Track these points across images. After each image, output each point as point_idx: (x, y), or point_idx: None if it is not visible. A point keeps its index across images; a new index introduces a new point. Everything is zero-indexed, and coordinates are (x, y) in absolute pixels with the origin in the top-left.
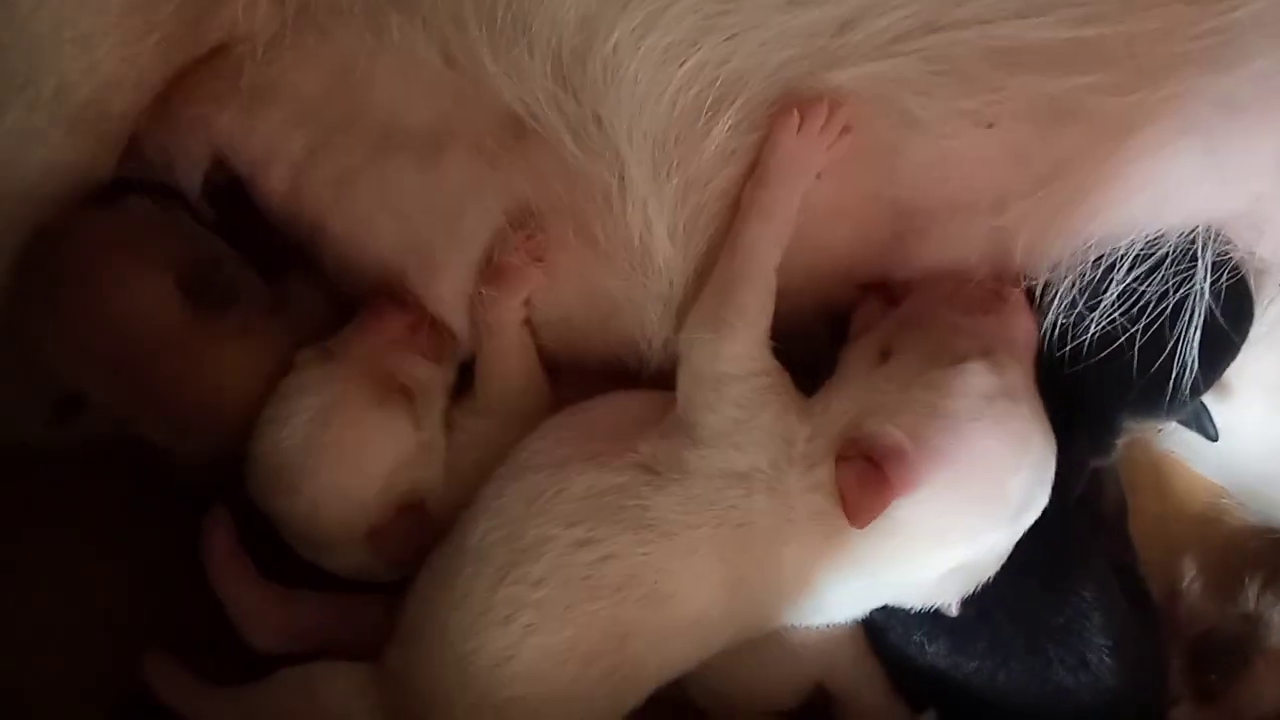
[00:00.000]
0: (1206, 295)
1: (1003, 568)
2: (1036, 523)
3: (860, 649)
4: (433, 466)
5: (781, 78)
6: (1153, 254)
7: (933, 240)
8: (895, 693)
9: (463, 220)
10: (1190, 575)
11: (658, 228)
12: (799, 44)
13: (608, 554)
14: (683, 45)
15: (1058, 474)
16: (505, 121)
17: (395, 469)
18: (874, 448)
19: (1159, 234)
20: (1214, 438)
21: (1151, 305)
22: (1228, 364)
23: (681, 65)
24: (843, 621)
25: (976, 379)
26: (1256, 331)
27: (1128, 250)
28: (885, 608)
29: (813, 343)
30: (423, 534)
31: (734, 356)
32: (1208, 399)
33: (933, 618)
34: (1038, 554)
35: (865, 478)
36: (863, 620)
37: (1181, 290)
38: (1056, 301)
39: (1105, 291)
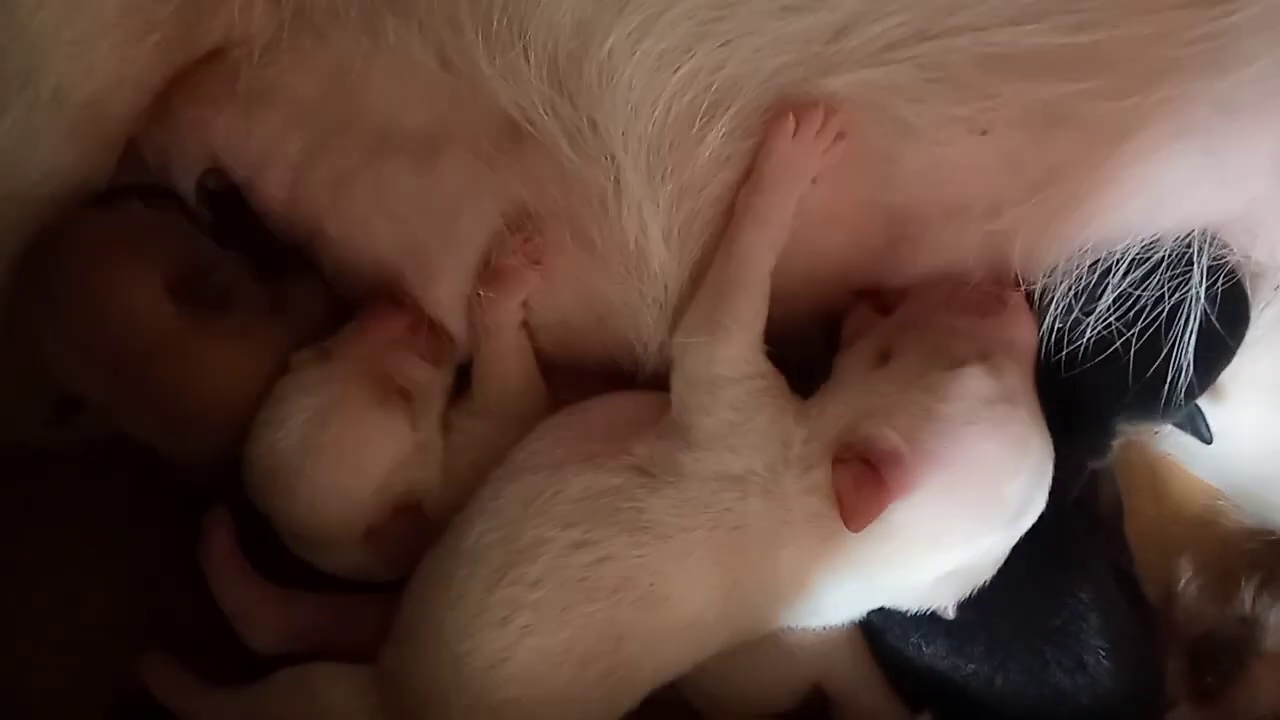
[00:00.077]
0: (1202, 299)
1: (1000, 570)
2: (1033, 525)
3: (857, 650)
4: (429, 467)
5: (776, 84)
6: (1148, 258)
7: (927, 246)
8: (893, 694)
9: (460, 223)
10: (1187, 577)
11: (653, 232)
12: (793, 50)
13: (604, 556)
14: (677, 51)
15: (1054, 476)
16: (501, 125)
17: (392, 470)
18: (870, 450)
19: (1155, 238)
20: (1209, 441)
21: (1147, 309)
22: (1223, 368)
23: (676, 71)
24: (839, 623)
25: (974, 382)
26: (1253, 334)
27: (1123, 254)
28: (883, 609)
29: (808, 347)
30: (419, 534)
31: (728, 359)
32: (1204, 402)
33: (930, 620)
34: (1035, 556)
35: (862, 480)
36: (861, 622)
37: (1177, 294)
38: (1053, 305)
39: (1101, 296)
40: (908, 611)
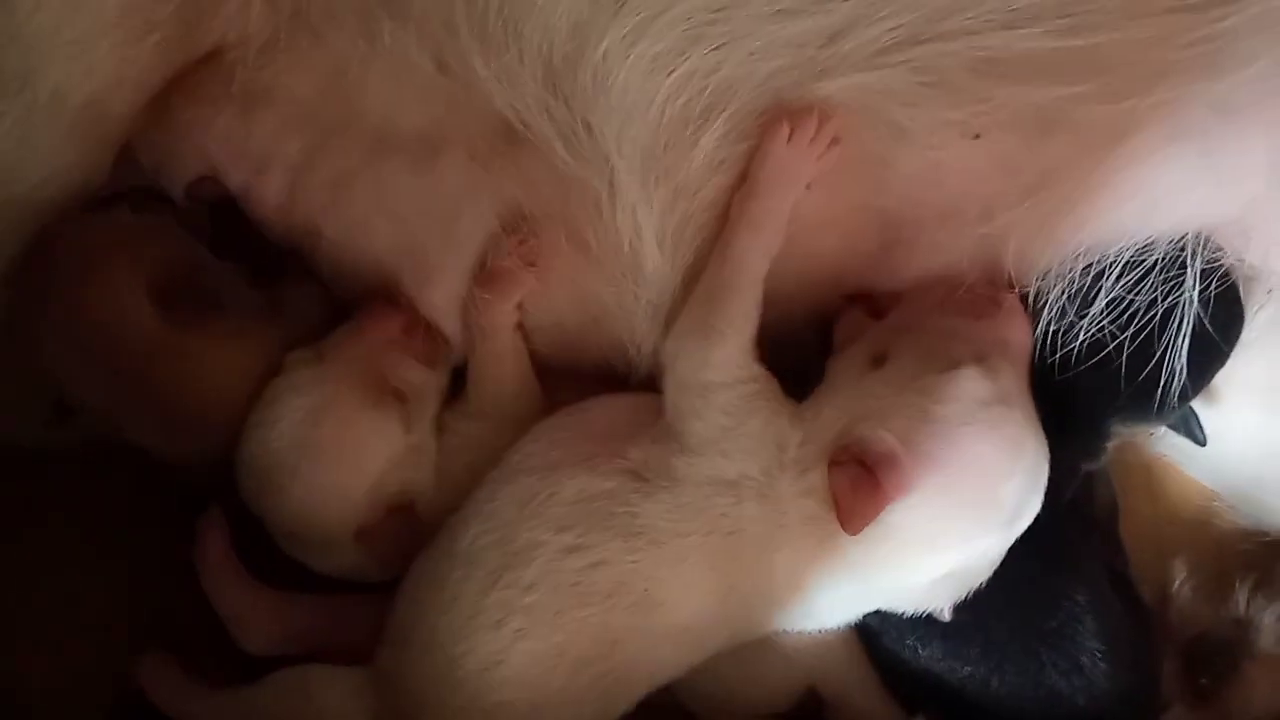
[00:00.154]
0: (1196, 302)
1: (996, 572)
2: (1029, 527)
3: (852, 652)
4: (423, 469)
5: (770, 87)
6: (1142, 261)
7: (921, 249)
8: (888, 696)
9: (457, 224)
10: (1181, 578)
11: (647, 234)
12: (788, 54)
13: (598, 560)
14: (672, 54)
15: (1049, 478)
16: (497, 127)
17: (385, 471)
18: (866, 453)
19: (1149, 241)
20: (1203, 443)
21: (1141, 312)
22: (1216, 371)
23: (670, 74)
24: (835, 626)
25: (969, 384)
26: (1247, 336)
27: (1117, 258)
28: (880, 612)
29: (802, 350)
30: (412, 535)
31: (720, 364)
32: (1199, 404)
33: (927, 622)
34: (1030, 558)
35: (858, 483)
36: (857, 624)
37: (1171, 297)
38: (1047, 309)
39: (1095, 299)
40: (904, 614)
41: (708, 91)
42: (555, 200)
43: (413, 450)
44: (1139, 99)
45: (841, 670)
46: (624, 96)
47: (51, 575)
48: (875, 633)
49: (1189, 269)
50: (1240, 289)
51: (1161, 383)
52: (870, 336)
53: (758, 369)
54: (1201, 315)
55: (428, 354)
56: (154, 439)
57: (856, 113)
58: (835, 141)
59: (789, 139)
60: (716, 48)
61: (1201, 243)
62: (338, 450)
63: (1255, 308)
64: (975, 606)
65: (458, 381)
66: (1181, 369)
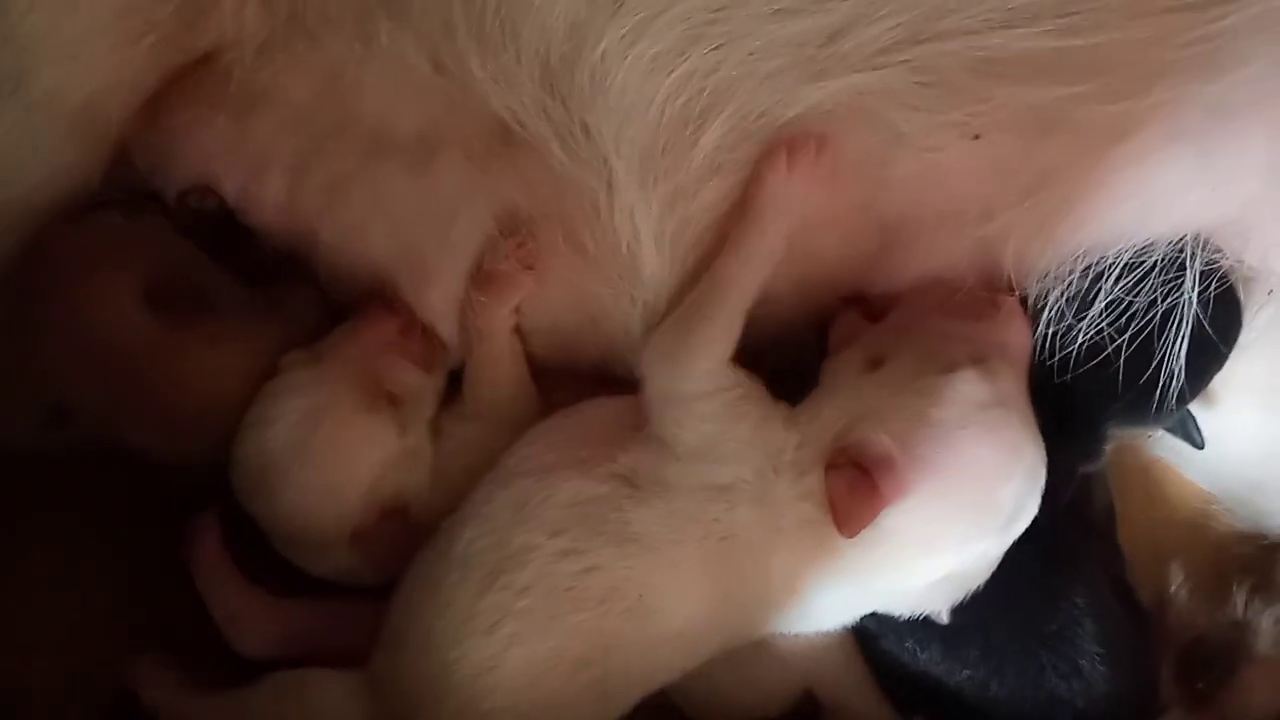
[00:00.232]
0: (1195, 304)
1: (995, 574)
2: (1027, 529)
3: (849, 655)
4: (418, 471)
5: (770, 88)
6: (1141, 263)
7: (920, 250)
8: (884, 699)
9: (454, 226)
10: (1179, 581)
11: (645, 236)
12: (787, 54)
13: (591, 566)
14: (671, 55)
15: (1047, 480)
16: (494, 128)
17: (380, 473)
18: (863, 456)
19: (1148, 243)
20: (1200, 446)
21: (1139, 314)
22: (1215, 373)
23: (669, 74)
24: (831, 628)
25: (967, 386)
26: (1246, 338)
27: (1116, 259)
28: (878, 614)
29: (801, 351)
30: (407, 539)
31: (698, 375)
32: (1197, 406)
33: (925, 625)
34: (1029, 561)
35: (855, 486)
36: (855, 626)
37: (1170, 299)
38: (1045, 310)
39: (1093, 301)
40: (902, 616)
41: (707, 92)
42: (552, 202)
43: (408, 453)
44: (1137, 99)
45: (838, 672)
46: (622, 97)
47: (50, 575)
48: (874, 635)
49: (1188, 270)
50: (1239, 290)
51: (1160, 385)
52: (867, 338)
53: (739, 375)
54: (1201, 316)
55: (424, 356)
56: (150, 441)
57: (855, 114)
58: (832, 173)
59: (786, 170)
60: (716, 48)
61: (1200, 244)
62: (332, 452)
63: (1255, 309)
64: (974, 609)
65: (455, 384)
66: (1180, 371)
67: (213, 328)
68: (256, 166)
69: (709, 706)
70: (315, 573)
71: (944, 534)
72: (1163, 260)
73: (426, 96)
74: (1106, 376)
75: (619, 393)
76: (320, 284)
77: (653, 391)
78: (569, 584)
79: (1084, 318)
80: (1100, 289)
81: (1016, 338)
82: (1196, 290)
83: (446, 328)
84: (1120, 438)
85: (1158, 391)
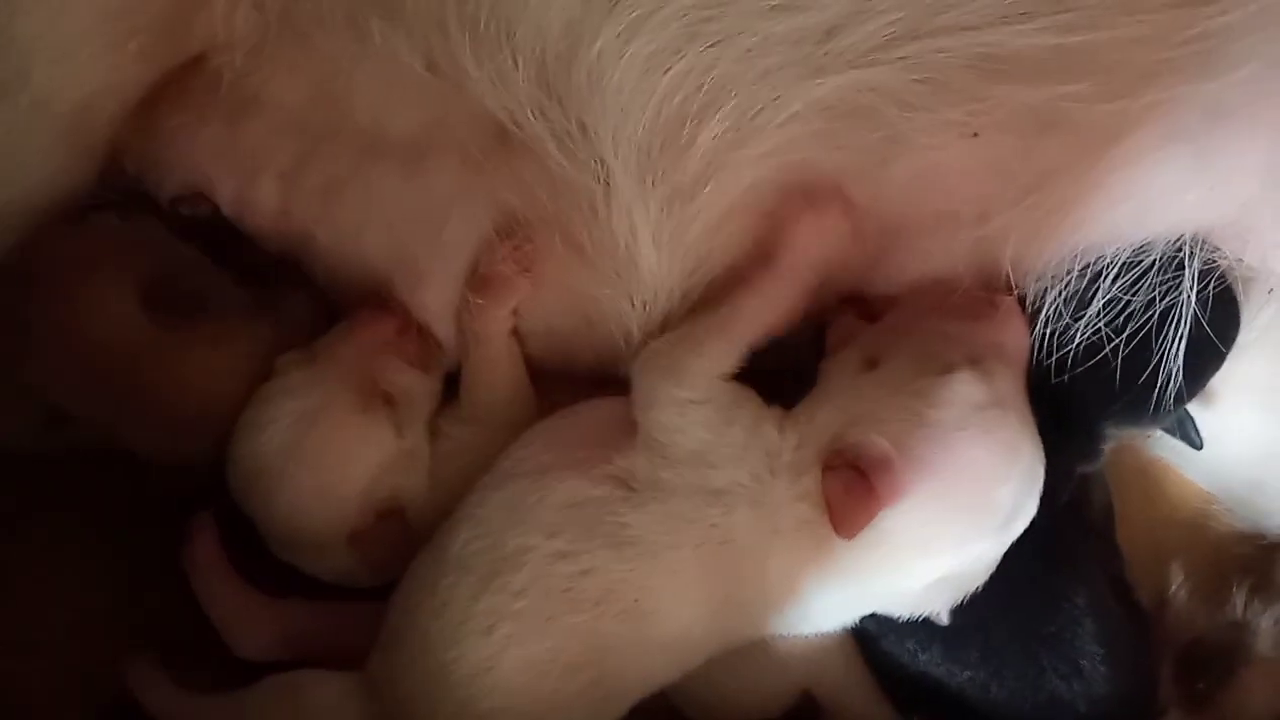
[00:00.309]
0: (1193, 304)
1: (994, 575)
2: (1026, 530)
3: (848, 656)
4: (415, 473)
5: (767, 85)
6: (1140, 262)
7: (917, 251)
8: (884, 699)
9: (448, 228)
10: (1178, 581)
11: (642, 235)
12: (784, 51)
13: (587, 568)
14: (667, 52)
15: (1045, 480)
16: (489, 128)
17: (377, 475)
18: (860, 457)
19: (1145, 242)
20: (1198, 446)
21: (1137, 314)
22: (1213, 373)
23: (666, 72)
24: (830, 630)
25: (965, 387)
26: (1246, 337)
27: (1115, 259)
28: (878, 615)
29: (799, 351)
30: (404, 540)
31: (693, 384)
32: (1198, 406)
33: (925, 626)
34: (1028, 561)
35: (851, 487)
36: (855, 628)
37: (1168, 299)
38: (1043, 311)
39: (1091, 301)
40: (902, 618)
41: (704, 89)
42: (549, 202)
43: (405, 454)
44: (1133, 98)
45: (837, 673)
46: (619, 95)
47: (50, 575)
48: (874, 636)
49: (1186, 270)
50: (1238, 290)
51: (1158, 385)
52: (865, 339)
53: (728, 384)
54: (1200, 316)
55: (421, 357)
56: (146, 442)
57: (854, 111)
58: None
59: (813, 229)
60: (712, 45)
61: (1199, 244)
62: (327, 453)
63: (1255, 308)
64: (974, 610)
65: (453, 386)
66: (1178, 371)
67: (209, 329)
68: (249, 171)
69: (708, 707)
70: (313, 574)
71: (942, 535)
72: (1161, 260)
73: (420, 97)
74: (1104, 376)
75: (617, 394)
76: (317, 286)
77: (648, 397)
78: (565, 585)
79: (1081, 317)
80: (1099, 289)
81: (1014, 338)
82: (1195, 290)
83: (443, 329)
84: (1119, 438)
85: (1155, 391)
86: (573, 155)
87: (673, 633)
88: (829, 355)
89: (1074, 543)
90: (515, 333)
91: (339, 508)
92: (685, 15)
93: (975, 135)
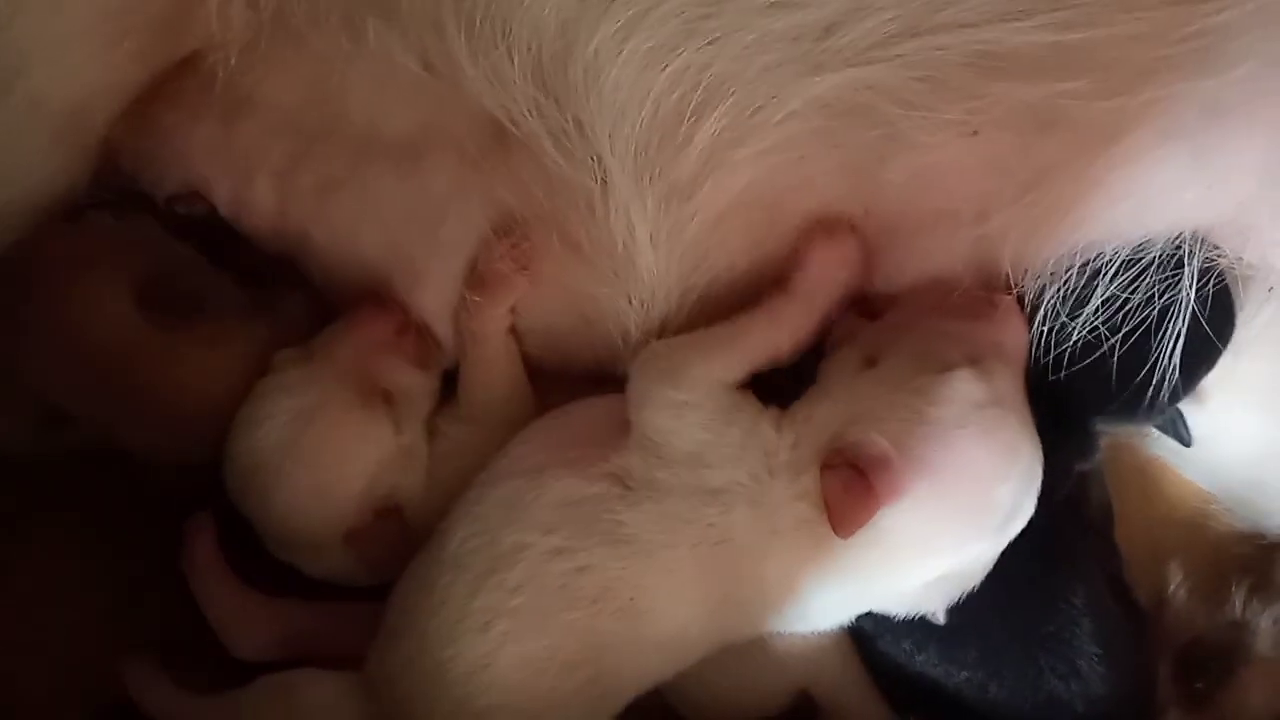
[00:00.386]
0: (1192, 302)
1: (992, 574)
2: (1024, 529)
3: (845, 655)
4: (413, 472)
5: (765, 82)
6: (1139, 260)
7: (916, 250)
8: (881, 699)
9: (445, 227)
10: (1177, 581)
11: (640, 233)
12: (782, 48)
13: (583, 565)
14: (664, 49)
15: (1043, 479)
16: (485, 127)
17: (374, 473)
18: (859, 456)
19: (1144, 240)
20: (1188, 444)
21: (1135, 312)
22: (1208, 371)
23: (663, 69)
24: (827, 629)
25: (964, 386)
26: (1245, 336)
27: (1114, 257)
28: (876, 616)
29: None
30: (402, 539)
31: (690, 389)
32: (1196, 404)
33: (923, 626)
34: (1026, 561)
35: (850, 486)
36: (852, 627)
37: (1166, 297)
38: (1042, 309)
39: (1090, 299)
40: (899, 617)
41: (701, 86)
42: (545, 200)
43: (403, 453)
44: (1131, 96)
45: (834, 672)
46: (616, 93)
47: (50, 576)
48: (871, 636)
49: (1185, 268)
50: (1236, 288)
51: (1153, 382)
52: (864, 337)
53: (728, 389)
54: (1199, 314)
55: (419, 355)
56: (144, 443)
57: (853, 110)
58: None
59: (829, 253)
60: (709, 42)
61: (1198, 242)
62: (324, 451)
63: (1255, 306)
64: (972, 609)
65: (451, 385)
66: (1174, 368)
67: (205, 329)
68: (245, 170)
69: (704, 706)
70: (310, 573)
71: (940, 534)
72: (1160, 257)
73: (416, 96)
74: (1101, 373)
75: (614, 392)
76: (314, 286)
77: (644, 399)
78: (561, 582)
79: (1079, 315)
80: (1097, 287)
81: (1013, 337)
82: (1194, 288)
83: (441, 327)
84: (1112, 435)
85: (1151, 389)
86: (570, 153)
87: (669, 631)
88: (828, 353)
89: (1072, 542)
90: (513, 331)
91: (336, 506)
92: (683, 12)
93: (974, 133)
